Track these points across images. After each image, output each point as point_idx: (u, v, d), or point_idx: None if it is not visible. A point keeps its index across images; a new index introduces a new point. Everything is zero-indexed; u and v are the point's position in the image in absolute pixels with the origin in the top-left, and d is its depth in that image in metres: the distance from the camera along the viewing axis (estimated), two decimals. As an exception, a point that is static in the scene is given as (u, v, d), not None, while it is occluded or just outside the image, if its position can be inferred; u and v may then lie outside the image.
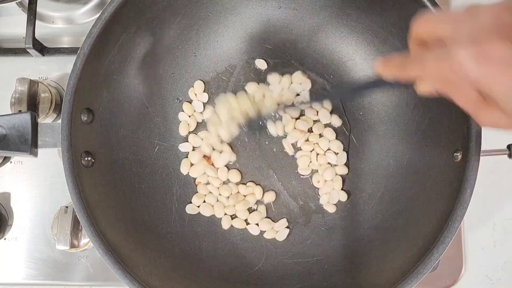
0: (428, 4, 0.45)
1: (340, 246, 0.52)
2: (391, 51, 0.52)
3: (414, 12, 0.46)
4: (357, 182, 0.55)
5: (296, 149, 0.55)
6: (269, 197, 0.55)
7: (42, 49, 0.60)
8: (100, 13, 0.46)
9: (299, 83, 0.56)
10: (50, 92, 0.58)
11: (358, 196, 0.54)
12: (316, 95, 0.56)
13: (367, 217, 0.53)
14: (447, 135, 0.47)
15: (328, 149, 0.55)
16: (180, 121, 0.56)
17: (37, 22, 0.58)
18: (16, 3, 0.61)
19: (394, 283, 0.42)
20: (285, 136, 0.55)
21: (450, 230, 0.41)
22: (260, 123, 0.53)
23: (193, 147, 0.56)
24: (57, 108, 0.58)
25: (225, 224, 0.54)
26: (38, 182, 0.58)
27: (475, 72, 0.30)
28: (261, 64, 0.57)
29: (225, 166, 0.55)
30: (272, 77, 0.56)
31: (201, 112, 0.57)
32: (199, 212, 0.54)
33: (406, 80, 0.35)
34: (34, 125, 0.44)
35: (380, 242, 0.50)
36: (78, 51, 0.45)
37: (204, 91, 0.57)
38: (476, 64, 0.29)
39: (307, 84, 0.56)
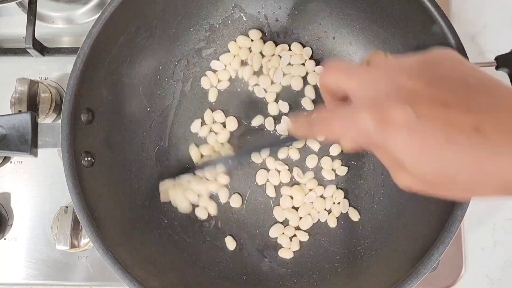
0: (428, 4, 0.45)
1: (340, 246, 0.52)
2: (391, 51, 0.52)
3: (414, 12, 0.46)
4: (356, 182, 0.55)
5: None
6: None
7: (42, 49, 0.60)
8: (100, 13, 0.46)
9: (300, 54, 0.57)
10: (50, 92, 0.58)
11: (358, 196, 0.54)
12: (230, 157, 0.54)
13: (367, 217, 0.53)
14: (447, 135, 0.47)
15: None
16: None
17: (37, 22, 0.58)
18: (16, 3, 0.61)
19: (394, 283, 0.42)
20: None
21: (450, 230, 0.41)
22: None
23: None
24: (57, 108, 0.58)
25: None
26: (38, 182, 0.58)
27: (379, 136, 0.30)
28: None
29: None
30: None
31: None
32: (200, 213, 0.55)
33: (315, 139, 0.36)
34: (34, 125, 0.44)
35: (380, 242, 0.50)
36: (78, 51, 0.45)
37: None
38: (378, 129, 0.30)
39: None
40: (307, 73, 0.57)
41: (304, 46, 0.57)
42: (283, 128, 0.55)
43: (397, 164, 0.31)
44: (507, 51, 0.49)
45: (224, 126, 0.56)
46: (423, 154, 0.29)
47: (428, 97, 0.29)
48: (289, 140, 0.51)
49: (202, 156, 0.55)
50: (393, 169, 0.32)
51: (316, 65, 0.57)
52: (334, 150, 0.55)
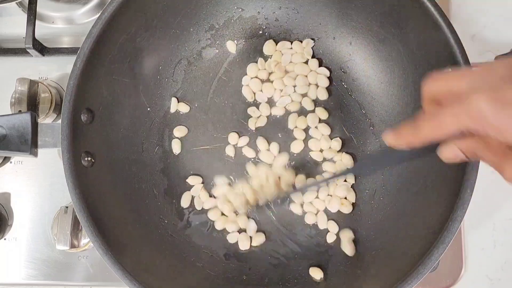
0: (428, 4, 0.45)
1: (339, 246, 0.52)
2: (391, 51, 0.52)
3: (414, 12, 0.46)
4: (357, 182, 0.55)
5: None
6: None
7: (42, 49, 0.60)
8: (100, 13, 0.46)
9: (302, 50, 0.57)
10: (50, 92, 0.58)
11: (358, 197, 0.54)
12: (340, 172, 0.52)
13: (367, 217, 0.53)
14: (447, 135, 0.46)
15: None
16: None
17: (37, 22, 0.58)
18: (16, 3, 0.61)
19: (394, 283, 0.42)
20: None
21: (450, 230, 0.41)
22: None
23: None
24: (57, 108, 0.58)
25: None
26: (38, 182, 0.58)
27: (495, 116, 0.29)
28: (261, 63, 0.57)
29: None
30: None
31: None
32: (199, 213, 0.55)
33: (422, 144, 0.35)
34: (34, 125, 0.44)
35: (380, 242, 0.50)
36: (78, 51, 0.45)
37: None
38: (495, 109, 0.29)
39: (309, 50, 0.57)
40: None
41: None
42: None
43: (508, 155, 0.31)
44: (507, 51, 0.49)
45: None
46: None
47: None
48: (398, 158, 0.41)
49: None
50: (505, 160, 0.32)
51: (320, 65, 0.57)
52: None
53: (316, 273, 0.51)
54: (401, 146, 0.36)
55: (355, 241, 0.52)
